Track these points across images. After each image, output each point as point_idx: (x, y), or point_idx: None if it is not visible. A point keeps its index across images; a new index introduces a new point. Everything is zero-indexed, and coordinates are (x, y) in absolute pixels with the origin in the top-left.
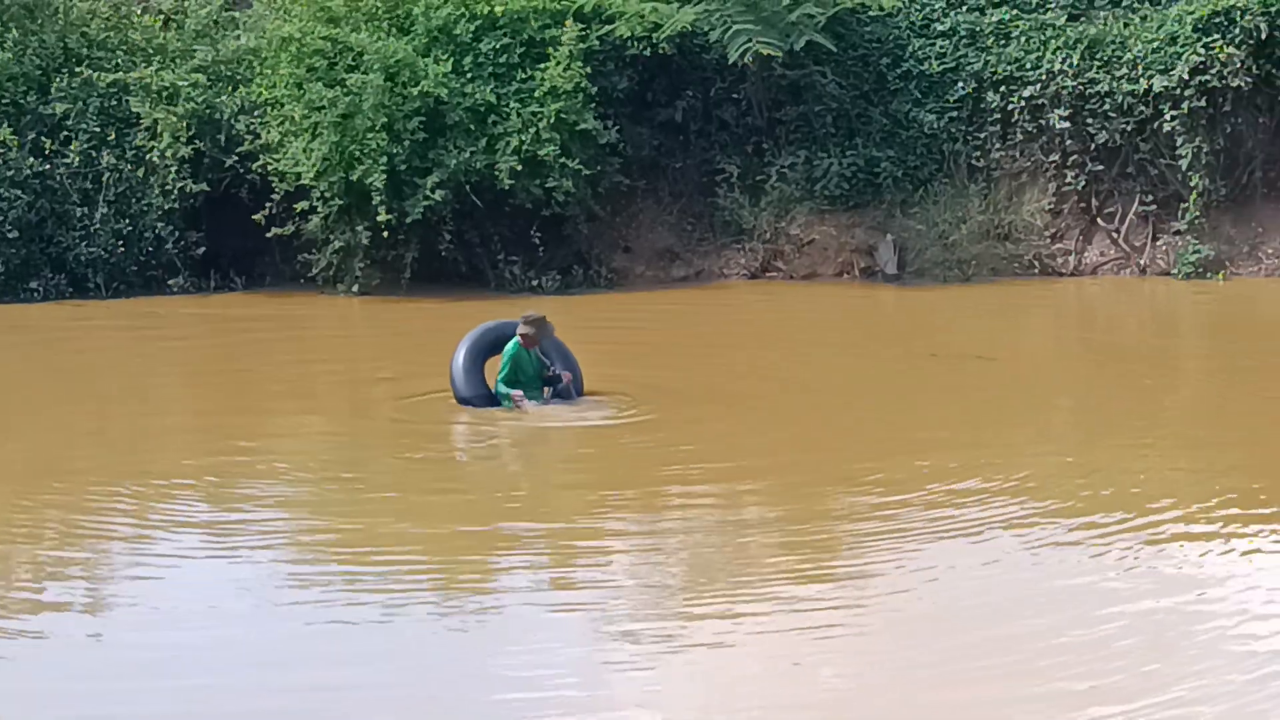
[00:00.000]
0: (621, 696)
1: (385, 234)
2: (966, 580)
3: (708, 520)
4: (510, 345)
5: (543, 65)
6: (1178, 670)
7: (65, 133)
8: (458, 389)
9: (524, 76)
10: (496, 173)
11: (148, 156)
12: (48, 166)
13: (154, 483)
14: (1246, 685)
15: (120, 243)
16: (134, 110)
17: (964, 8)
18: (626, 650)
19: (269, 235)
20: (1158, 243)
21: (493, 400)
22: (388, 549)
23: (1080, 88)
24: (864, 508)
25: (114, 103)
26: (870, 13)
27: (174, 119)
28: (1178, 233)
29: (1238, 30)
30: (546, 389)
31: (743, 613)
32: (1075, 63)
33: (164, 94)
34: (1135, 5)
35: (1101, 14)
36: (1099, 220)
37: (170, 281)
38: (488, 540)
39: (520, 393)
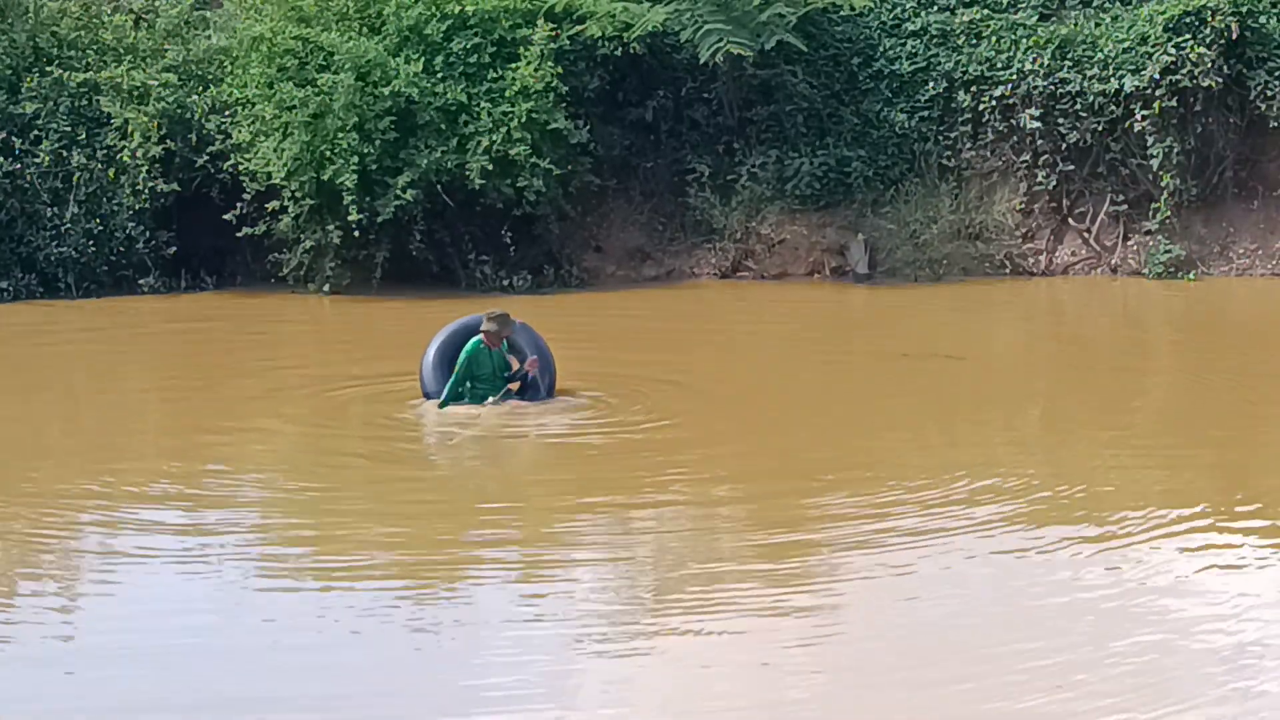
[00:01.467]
0: (593, 709)
1: (356, 233)
2: (943, 592)
3: (680, 528)
4: (470, 344)
5: (514, 65)
6: (1167, 692)
7: (35, 132)
8: (426, 387)
9: (495, 76)
10: (467, 172)
11: (118, 156)
12: (18, 166)
13: (122, 489)
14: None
15: (91, 242)
16: (104, 110)
17: (935, 8)
18: (598, 662)
19: (240, 235)
20: (1129, 242)
21: (458, 398)
22: (356, 559)
23: (1051, 87)
24: (839, 514)
25: (84, 102)
26: (841, 13)
27: (145, 119)
28: (1149, 232)
29: (1208, 30)
30: (514, 385)
31: (715, 623)
32: (1046, 62)
33: (135, 93)
34: (1106, 5)
35: (1072, 14)
36: (1070, 220)
37: (141, 281)
38: (457, 549)
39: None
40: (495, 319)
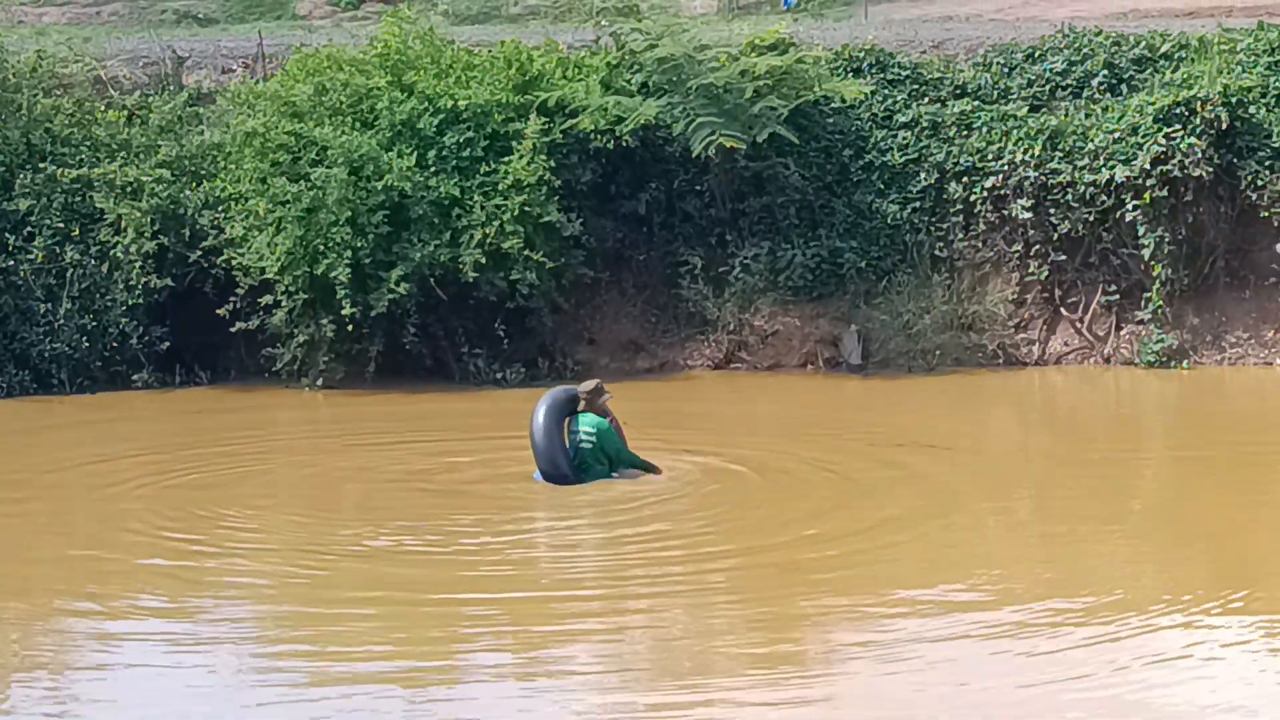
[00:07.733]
0: None
1: (349, 327)
2: (938, 686)
3: (675, 621)
4: (603, 423)
5: (506, 158)
6: None
7: (29, 229)
8: (546, 467)
9: (488, 170)
10: (460, 265)
11: (112, 252)
12: (11, 263)
13: (115, 590)
14: None
15: (84, 338)
16: (98, 206)
17: (926, 99)
18: None
19: (233, 330)
20: (1121, 332)
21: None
22: (353, 653)
23: (1042, 178)
24: (834, 610)
25: (78, 198)
26: (833, 105)
27: (138, 214)
28: (1141, 322)
29: (1199, 120)
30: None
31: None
32: (1037, 153)
33: (128, 189)
34: (1096, 96)
35: (1063, 105)
36: (1062, 310)
37: (135, 377)
38: (454, 641)
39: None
40: (596, 390)
